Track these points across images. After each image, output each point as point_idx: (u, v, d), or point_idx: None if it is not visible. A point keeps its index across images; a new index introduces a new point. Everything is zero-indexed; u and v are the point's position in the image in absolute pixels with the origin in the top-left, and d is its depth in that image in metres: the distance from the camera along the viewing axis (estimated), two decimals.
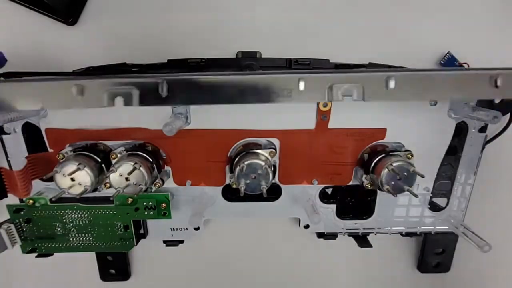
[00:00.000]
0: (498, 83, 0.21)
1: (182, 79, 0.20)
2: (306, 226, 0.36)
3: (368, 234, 0.36)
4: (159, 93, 0.20)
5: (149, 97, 0.20)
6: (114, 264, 0.41)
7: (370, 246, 0.36)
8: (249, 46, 0.37)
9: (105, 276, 0.41)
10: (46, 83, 0.21)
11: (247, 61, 0.30)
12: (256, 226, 0.42)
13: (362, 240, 0.36)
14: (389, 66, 0.33)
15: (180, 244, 0.37)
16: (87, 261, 0.40)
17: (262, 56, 0.37)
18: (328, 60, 0.33)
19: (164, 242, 0.37)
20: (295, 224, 0.37)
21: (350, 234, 0.36)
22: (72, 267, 0.42)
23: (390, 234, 0.36)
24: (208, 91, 0.21)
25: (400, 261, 0.44)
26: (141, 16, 0.38)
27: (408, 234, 0.36)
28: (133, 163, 0.27)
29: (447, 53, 0.36)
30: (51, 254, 0.35)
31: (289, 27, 0.38)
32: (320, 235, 0.37)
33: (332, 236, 0.37)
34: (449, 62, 0.36)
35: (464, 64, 0.36)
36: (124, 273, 0.41)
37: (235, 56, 0.38)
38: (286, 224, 0.42)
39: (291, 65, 0.32)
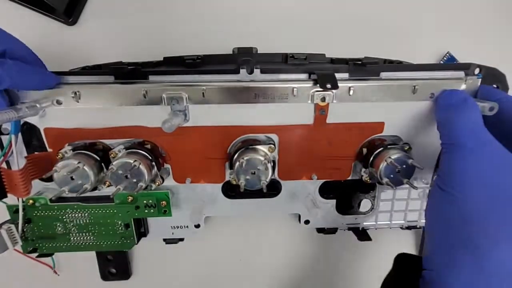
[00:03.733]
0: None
1: (217, 86, 0.28)
2: (307, 222, 0.36)
3: (368, 228, 0.37)
4: (202, 95, 0.28)
5: (194, 98, 0.28)
6: (115, 264, 0.41)
7: (370, 239, 0.36)
8: (245, 42, 0.37)
9: (105, 275, 0.41)
10: (123, 86, 0.28)
11: (244, 57, 0.30)
12: (256, 222, 0.42)
13: (361, 233, 0.36)
14: (385, 60, 0.33)
15: (181, 242, 0.37)
16: (87, 260, 0.40)
17: (259, 52, 0.37)
18: (324, 54, 0.33)
19: (164, 240, 0.37)
20: (295, 219, 0.37)
21: (350, 228, 0.37)
22: (72, 267, 0.42)
23: (390, 228, 0.36)
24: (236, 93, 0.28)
25: None
26: (141, 16, 0.38)
27: (408, 228, 0.37)
28: (132, 161, 0.27)
29: (447, 53, 0.37)
30: (52, 254, 0.35)
31: (285, 21, 0.38)
32: (320, 230, 0.37)
33: (332, 230, 0.37)
34: (449, 62, 0.37)
35: None
36: (124, 273, 0.41)
37: (231, 52, 0.38)
38: (286, 220, 0.42)
39: (287, 60, 0.32)
